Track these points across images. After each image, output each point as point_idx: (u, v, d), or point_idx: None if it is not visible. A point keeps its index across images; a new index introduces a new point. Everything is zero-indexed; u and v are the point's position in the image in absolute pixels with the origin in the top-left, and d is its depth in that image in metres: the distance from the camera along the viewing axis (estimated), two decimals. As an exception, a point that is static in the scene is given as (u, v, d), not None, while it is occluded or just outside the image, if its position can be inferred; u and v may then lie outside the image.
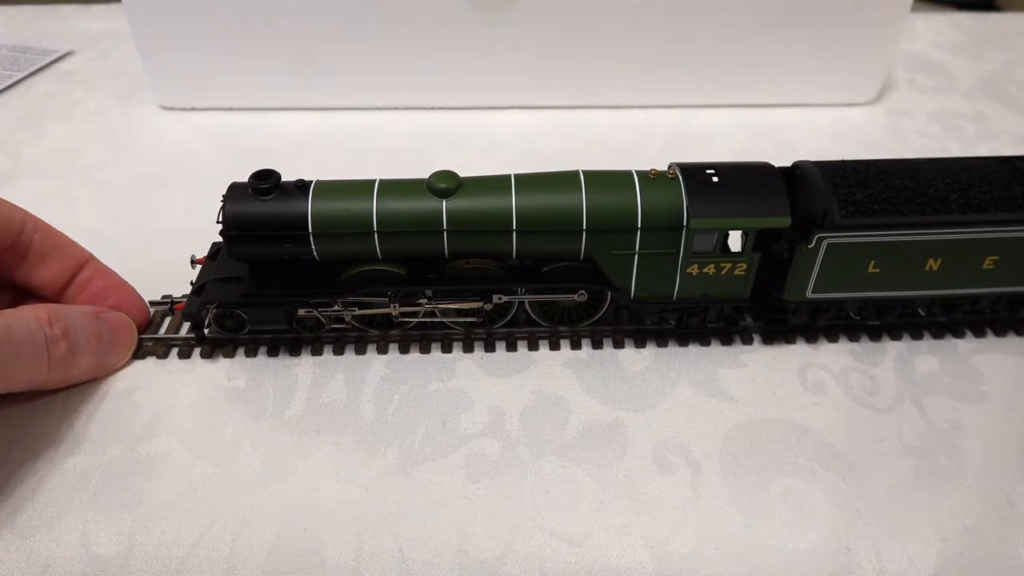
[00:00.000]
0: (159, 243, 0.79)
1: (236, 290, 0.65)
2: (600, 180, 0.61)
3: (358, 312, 0.65)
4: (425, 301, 0.65)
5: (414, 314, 0.66)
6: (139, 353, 0.66)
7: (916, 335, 0.68)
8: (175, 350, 0.67)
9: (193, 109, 1.05)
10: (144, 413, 0.61)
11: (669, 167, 0.63)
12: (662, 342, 0.68)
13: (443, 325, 0.68)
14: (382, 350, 0.67)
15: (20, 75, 1.13)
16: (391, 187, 0.62)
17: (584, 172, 0.62)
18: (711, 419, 0.61)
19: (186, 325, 0.67)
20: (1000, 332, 0.69)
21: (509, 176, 0.62)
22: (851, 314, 0.67)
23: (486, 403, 0.62)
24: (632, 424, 0.61)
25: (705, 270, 0.62)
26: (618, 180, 0.61)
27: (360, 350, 0.67)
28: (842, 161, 0.63)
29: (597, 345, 0.67)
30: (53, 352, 0.58)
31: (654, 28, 0.97)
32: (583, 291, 0.64)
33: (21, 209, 0.64)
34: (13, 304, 0.64)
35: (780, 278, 0.64)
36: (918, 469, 0.57)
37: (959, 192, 0.61)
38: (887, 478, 0.57)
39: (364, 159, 0.94)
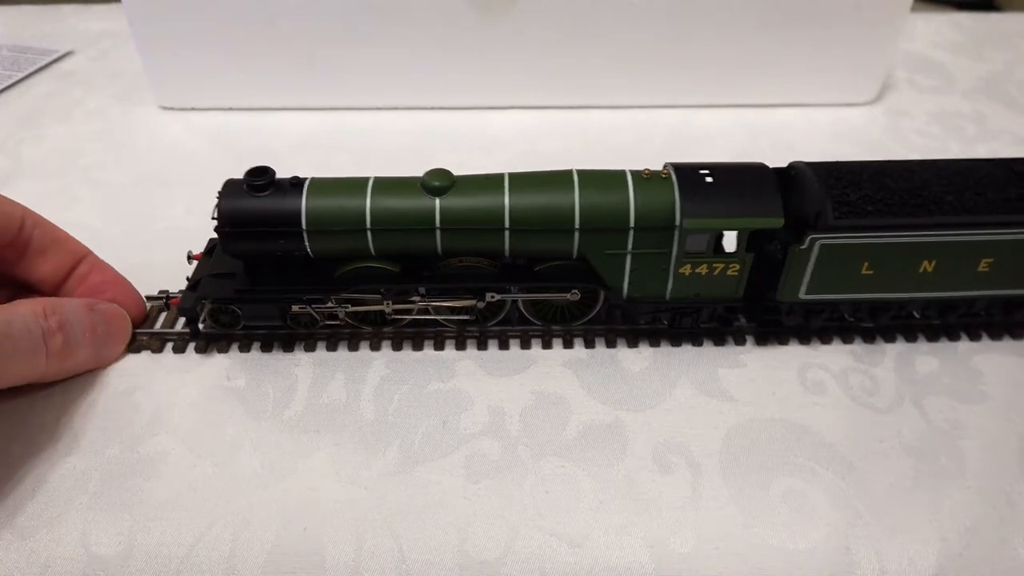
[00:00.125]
0: (159, 243, 0.79)
1: (231, 286, 0.65)
2: (593, 179, 0.61)
3: (351, 309, 0.65)
4: (418, 299, 0.65)
5: (408, 312, 0.66)
6: (134, 347, 0.67)
7: (911, 337, 0.68)
8: (170, 344, 0.67)
9: (193, 109, 1.05)
10: (144, 413, 0.61)
11: (664, 167, 0.63)
12: (660, 342, 0.68)
13: (437, 323, 0.68)
14: (375, 347, 0.67)
15: (20, 75, 1.13)
16: (385, 185, 0.62)
17: (578, 171, 0.62)
18: (711, 419, 0.61)
19: (182, 320, 0.68)
20: (1000, 333, 0.68)
21: (503, 175, 0.62)
22: (846, 316, 0.67)
23: (486, 403, 0.62)
24: (632, 424, 0.61)
25: (698, 270, 0.62)
26: (611, 180, 0.61)
27: (354, 347, 0.67)
28: (837, 162, 0.63)
29: (590, 344, 0.67)
30: (50, 345, 0.58)
31: (654, 28, 0.97)
32: (576, 290, 0.65)
33: (20, 205, 0.65)
34: (11, 299, 0.64)
35: (774, 279, 0.64)
36: (918, 469, 0.57)
37: (954, 194, 0.60)
38: (887, 478, 0.57)
39: (364, 159, 0.94)
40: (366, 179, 0.62)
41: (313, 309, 0.65)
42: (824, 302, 0.65)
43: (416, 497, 0.55)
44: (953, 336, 0.68)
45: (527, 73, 1.01)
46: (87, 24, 1.29)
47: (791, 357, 0.66)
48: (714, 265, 0.62)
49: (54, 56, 1.18)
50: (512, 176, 0.62)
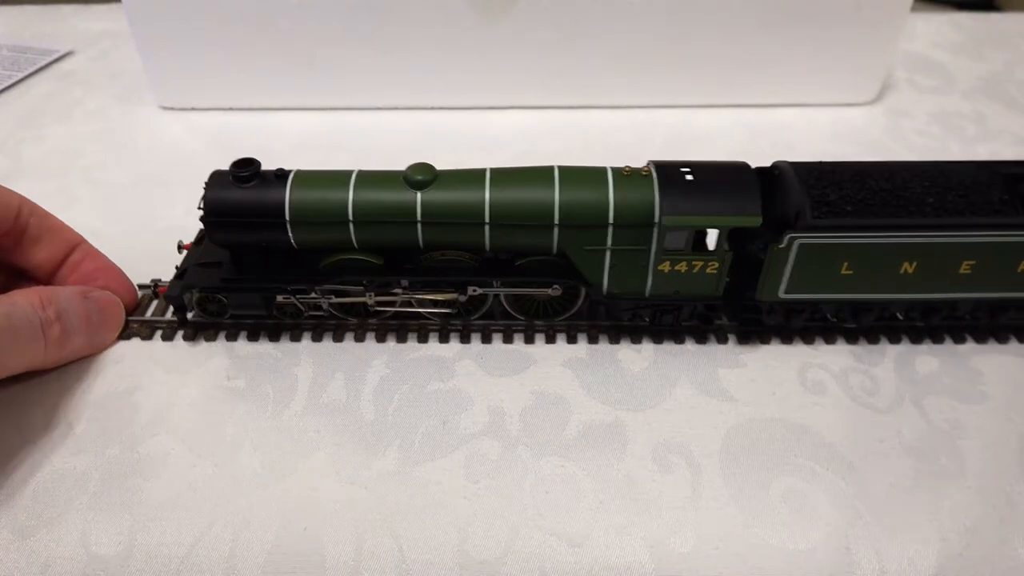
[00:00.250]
0: (159, 243, 0.79)
1: (217, 275, 0.66)
2: (574, 176, 0.62)
3: (335, 300, 0.66)
4: (401, 291, 0.65)
5: (391, 304, 0.67)
6: (125, 334, 0.68)
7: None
8: (159, 332, 0.68)
9: (193, 109, 1.05)
10: (144, 413, 0.61)
11: (646, 165, 0.63)
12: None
13: (420, 316, 0.68)
14: (359, 339, 0.68)
15: (20, 75, 1.13)
16: (368, 178, 0.63)
17: (559, 168, 0.62)
18: (711, 419, 0.61)
19: (172, 308, 0.69)
20: (1000, 334, 0.68)
21: (484, 170, 0.63)
22: (828, 316, 0.67)
23: (486, 403, 0.62)
24: (632, 424, 0.61)
25: (677, 268, 0.63)
26: (592, 176, 0.62)
27: (338, 338, 0.68)
28: (819, 162, 0.63)
29: (572, 340, 0.68)
30: (48, 334, 0.60)
31: (654, 28, 0.97)
32: (557, 285, 0.65)
33: (17, 194, 0.66)
34: (6, 285, 0.66)
35: (755, 278, 0.64)
36: (918, 469, 0.57)
37: (935, 195, 0.60)
38: (887, 478, 0.57)
39: (364, 159, 0.94)
40: (350, 172, 0.63)
41: (297, 300, 0.66)
42: (804, 302, 0.65)
43: (416, 497, 0.55)
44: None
45: (527, 73, 1.01)
46: (87, 24, 1.29)
47: (791, 357, 0.66)
48: (693, 263, 0.62)
49: (54, 56, 1.18)
50: (493, 171, 0.63)
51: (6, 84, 1.11)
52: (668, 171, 0.61)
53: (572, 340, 0.68)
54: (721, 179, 0.61)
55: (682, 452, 0.58)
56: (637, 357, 0.67)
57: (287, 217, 0.62)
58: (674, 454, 0.58)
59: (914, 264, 0.62)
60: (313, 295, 0.66)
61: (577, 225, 0.61)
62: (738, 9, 0.95)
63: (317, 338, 0.68)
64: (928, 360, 0.66)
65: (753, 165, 0.64)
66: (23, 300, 0.58)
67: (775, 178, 0.63)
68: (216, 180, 0.63)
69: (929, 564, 0.52)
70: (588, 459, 0.58)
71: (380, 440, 0.59)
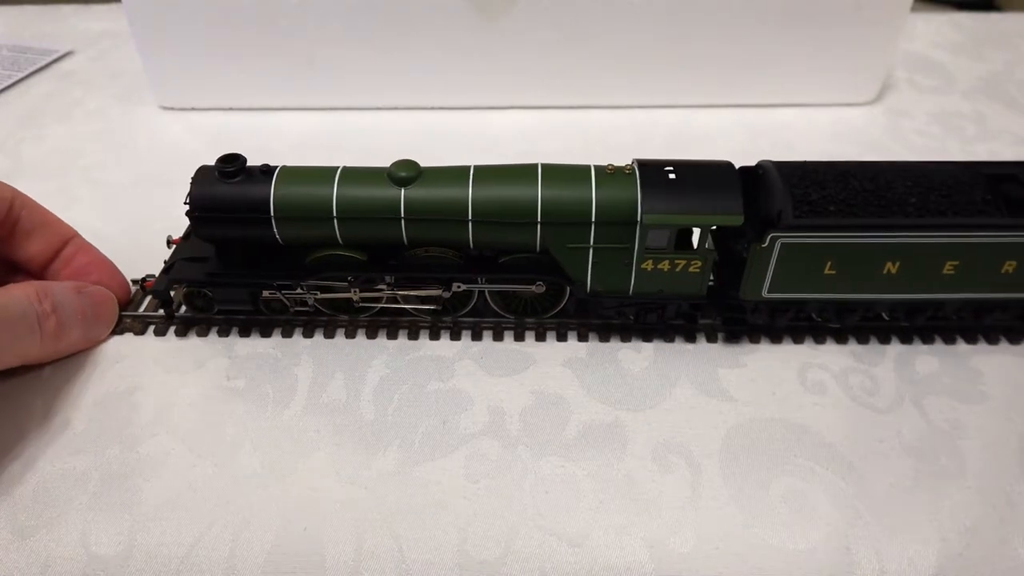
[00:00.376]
0: (159, 243, 0.79)
1: (202, 270, 0.67)
2: (557, 174, 0.62)
3: (321, 296, 0.66)
4: (385, 287, 0.66)
5: (376, 300, 0.67)
6: (118, 329, 0.68)
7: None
8: (152, 327, 0.69)
9: (193, 109, 1.05)
10: (144, 413, 0.61)
11: (630, 163, 0.63)
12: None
13: (406, 312, 0.68)
14: (350, 335, 0.68)
15: (20, 75, 1.13)
16: (353, 174, 0.63)
17: (542, 165, 0.62)
18: (711, 419, 0.61)
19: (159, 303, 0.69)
20: (990, 335, 0.68)
21: (468, 167, 0.63)
22: (813, 315, 0.67)
23: (486, 403, 0.62)
24: (632, 424, 0.61)
25: (660, 266, 0.63)
26: (574, 174, 0.62)
27: (329, 334, 0.68)
28: (804, 162, 0.63)
29: (562, 338, 0.68)
30: (45, 327, 0.60)
31: (654, 28, 0.97)
32: (541, 283, 0.65)
33: (9, 187, 0.66)
34: None
35: (740, 277, 0.64)
36: (918, 469, 0.57)
37: (918, 196, 0.60)
38: (887, 478, 0.57)
39: (364, 159, 0.93)
40: (335, 168, 0.63)
41: (283, 295, 0.66)
42: (788, 301, 0.65)
43: (416, 497, 0.55)
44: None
45: (527, 73, 1.01)
46: (87, 24, 1.29)
47: (791, 357, 0.66)
48: (676, 261, 0.63)
49: (54, 56, 1.18)
50: (477, 168, 0.63)
51: (6, 84, 1.11)
52: (651, 170, 0.61)
53: (562, 338, 0.68)
54: (704, 178, 0.61)
55: (682, 452, 0.58)
56: (637, 357, 0.67)
57: (272, 213, 0.62)
58: (674, 454, 0.58)
59: (897, 264, 0.62)
60: (298, 291, 0.66)
61: (559, 223, 0.61)
62: (738, 9, 0.95)
63: (308, 334, 0.68)
64: (928, 360, 0.66)
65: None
66: (19, 293, 0.59)
67: (759, 177, 0.63)
68: (202, 175, 0.64)
69: (929, 564, 0.52)
70: (588, 459, 0.58)
71: (380, 440, 0.59)
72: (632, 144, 0.97)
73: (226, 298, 0.67)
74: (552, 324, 0.69)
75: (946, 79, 1.13)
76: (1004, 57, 1.19)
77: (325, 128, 1.01)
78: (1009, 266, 0.62)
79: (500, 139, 0.98)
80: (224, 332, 0.68)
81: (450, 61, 0.99)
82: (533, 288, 0.65)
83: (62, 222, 0.70)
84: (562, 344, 0.68)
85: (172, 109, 1.05)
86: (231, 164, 0.63)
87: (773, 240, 0.60)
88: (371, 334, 0.68)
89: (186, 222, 0.65)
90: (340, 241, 0.64)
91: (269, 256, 0.67)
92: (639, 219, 0.60)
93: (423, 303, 0.67)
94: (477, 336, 0.68)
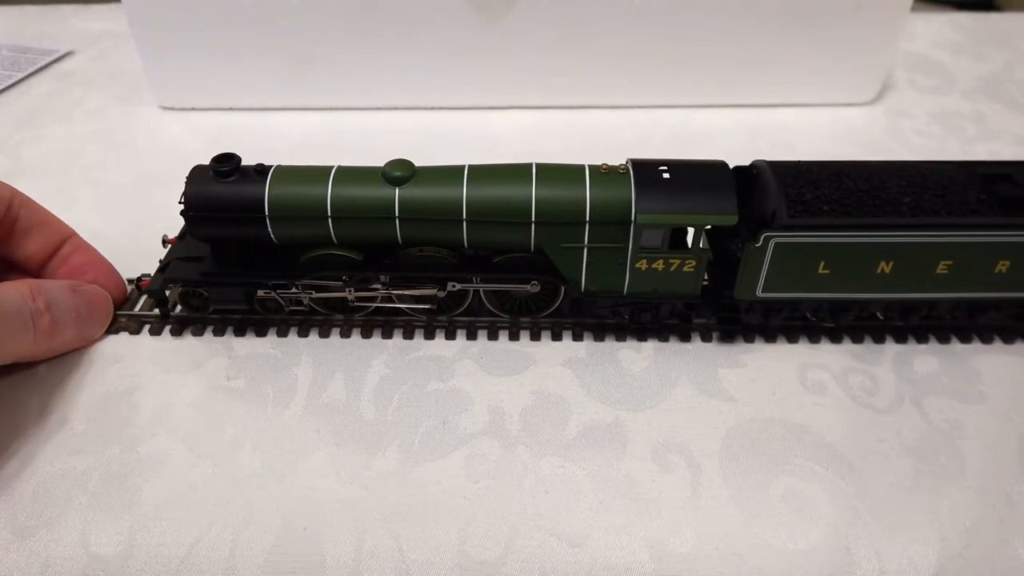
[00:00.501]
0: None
1: (198, 269, 0.67)
2: (551, 173, 0.62)
3: (316, 295, 0.66)
4: (380, 287, 0.66)
5: (371, 299, 0.67)
6: (113, 328, 0.68)
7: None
8: (147, 326, 0.69)
9: (193, 109, 1.05)
10: (144, 413, 0.61)
11: (624, 162, 0.63)
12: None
13: (401, 312, 0.68)
14: (345, 334, 0.68)
15: (20, 75, 1.13)
16: (347, 173, 0.63)
17: (537, 165, 0.63)
18: (711, 419, 0.61)
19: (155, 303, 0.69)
20: (1003, 335, 0.68)
21: (463, 167, 0.63)
22: (807, 315, 0.67)
23: (486, 403, 0.62)
24: (632, 424, 0.61)
25: (654, 266, 0.63)
26: (568, 174, 0.62)
27: (324, 333, 0.68)
28: (798, 161, 0.63)
29: (558, 338, 0.68)
30: (38, 325, 0.60)
31: (654, 28, 0.97)
32: (535, 282, 0.65)
33: (8, 186, 0.67)
34: None
35: (734, 277, 0.64)
36: (918, 469, 0.57)
37: (912, 195, 0.60)
38: (887, 478, 0.57)
39: (364, 159, 0.93)
40: (330, 168, 0.64)
41: (278, 294, 0.66)
42: (782, 300, 0.65)
43: (416, 497, 0.55)
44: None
45: (527, 73, 1.01)
46: (87, 24, 1.29)
47: (791, 357, 0.66)
48: (670, 261, 0.63)
49: (54, 56, 1.18)
50: (471, 168, 0.63)
51: (6, 84, 1.11)
52: (645, 169, 0.62)
53: (557, 337, 0.68)
54: (698, 177, 0.61)
55: (682, 452, 0.58)
56: (637, 357, 0.67)
57: (267, 212, 0.62)
58: (674, 454, 0.58)
59: (891, 264, 0.62)
60: (293, 290, 0.66)
61: (553, 222, 0.62)
62: (738, 9, 0.95)
63: (304, 333, 0.68)
64: (928, 360, 0.66)
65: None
66: (13, 290, 0.59)
67: (753, 177, 0.63)
68: (196, 175, 0.64)
69: (929, 564, 0.52)
70: (588, 459, 0.58)
71: (380, 440, 0.59)
72: (632, 144, 0.97)
73: (221, 297, 0.67)
74: (547, 324, 0.69)
75: (946, 79, 1.13)
76: (1004, 57, 1.19)
77: (325, 128, 1.01)
78: (1003, 266, 0.62)
79: (500, 139, 0.98)
80: (220, 331, 0.68)
81: (450, 61, 0.99)
82: (528, 287, 0.65)
83: (60, 221, 0.70)
84: (562, 344, 0.68)
85: (172, 109, 1.05)
86: (226, 164, 0.63)
87: (767, 240, 0.60)
88: (366, 333, 0.68)
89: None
90: (335, 241, 0.64)
91: (264, 255, 0.67)
92: (633, 219, 0.60)
93: (418, 302, 0.67)
94: (472, 335, 0.68)
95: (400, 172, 0.62)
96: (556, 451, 0.59)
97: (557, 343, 0.68)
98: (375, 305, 0.68)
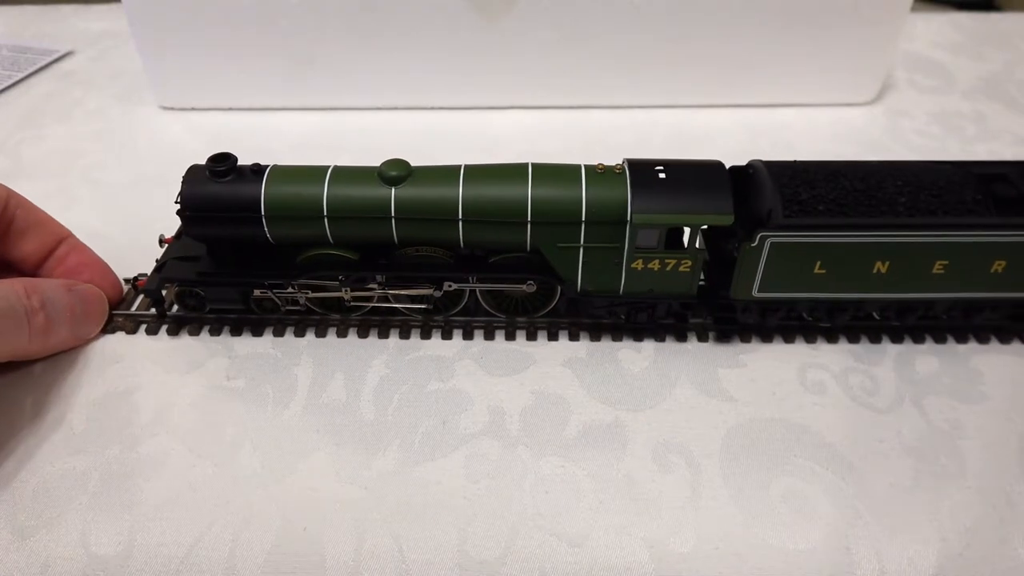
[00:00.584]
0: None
1: (194, 269, 0.67)
2: (547, 173, 0.62)
3: (312, 295, 0.66)
4: (376, 287, 0.66)
5: (367, 299, 0.67)
6: (109, 328, 0.68)
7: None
8: (143, 326, 0.69)
9: (193, 109, 1.05)
10: (144, 413, 0.61)
11: (620, 162, 0.63)
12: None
13: (398, 311, 0.68)
14: (342, 334, 0.68)
15: (20, 75, 1.13)
16: (344, 173, 0.63)
17: (533, 165, 0.63)
18: (711, 419, 0.61)
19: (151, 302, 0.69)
20: (999, 335, 0.68)
21: (459, 167, 0.63)
22: (804, 315, 0.67)
23: (486, 403, 0.62)
24: (632, 424, 0.61)
25: (650, 266, 0.63)
26: (564, 174, 0.62)
27: (321, 333, 0.68)
28: (794, 161, 0.63)
29: (554, 337, 0.68)
30: (33, 323, 0.60)
31: (654, 28, 0.97)
32: (532, 281, 0.65)
33: (4, 186, 0.67)
34: None
35: (729, 276, 0.64)
36: (918, 469, 0.57)
37: (908, 195, 0.60)
38: (887, 478, 0.57)
39: (364, 159, 0.93)
40: (326, 168, 0.64)
41: (274, 294, 0.66)
42: (778, 300, 0.65)
43: (416, 497, 0.55)
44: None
45: (527, 73, 1.01)
46: (87, 24, 1.29)
47: (791, 357, 0.66)
48: (666, 261, 0.63)
49: (54, 56, 1.18)
50: (467, 168, 0.63)
51: (6, 84, 1.11)
52: (641, 169, 0.62)
53: (553, 337, 0.68)
54: (694, 177, 0.61)
55: (682, 452, 0.58)
56: (637, 357, 0.67)
57: (263, 212, 0.62)
58: (674, 454, 0.58)
59: (887, 264, 0.62)
60: (289, 290, 0.66)
61: (549, 222, 0.62)
62: (738, 9, 0.95)
63: (300, 333, 0.68)
64: (928, 360, 0.66)
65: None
66: (7, 288, 0.59)
67: (749, 177, 0.63)
68: (193, 174, 0.64)
69: (929, 564, 0.52)
70: (588, 459, 0.58)
71: (380, 440, 0.59)
72: (632, 144, 0.97)
73: (217, 297, 0.67)
74: (544, 323, 0.69)
75: (946, 79, 1.13)
76: (1004, 57, 1.19)
77: (325, 128, 1.01)
78: (999, 265, 0.62)
79: (500, 139, 0.98)
80: (216, 331, 0.68)
81: (450, 61, 0.99)
82: (524, 287, 0.65)
83: (56, 222, 0.70)
84: (562, 344, 0.68)
85: (172, 109, 1.05)
86: (222, 163, 0.63)
87: (763, 240, 0.60)
88: (363, 333, 0.68)
89: (184, 222, 0.65)
90: (331, 240, 0.64)
91: (260, 255, 0.67)
92: (629, 218, 0.60)
93: (414, 302, 0.67)
94: (469, 335, 0.68)
95: (396, 172, 0.62)
96: (556, 451, 0.59)
97: (558, 343, 0.68)
98: (371, 305, 0.68)
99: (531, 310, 0.69)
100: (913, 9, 0.99)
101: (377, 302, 0.68)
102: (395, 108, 1.05)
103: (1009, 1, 2.26)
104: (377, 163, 0.64)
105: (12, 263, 0.69)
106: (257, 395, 0.63)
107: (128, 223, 0.83)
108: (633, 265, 0.63)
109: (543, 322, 0.69)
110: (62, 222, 0.71)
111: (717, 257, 0.66)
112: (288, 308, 0.68)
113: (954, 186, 0.61)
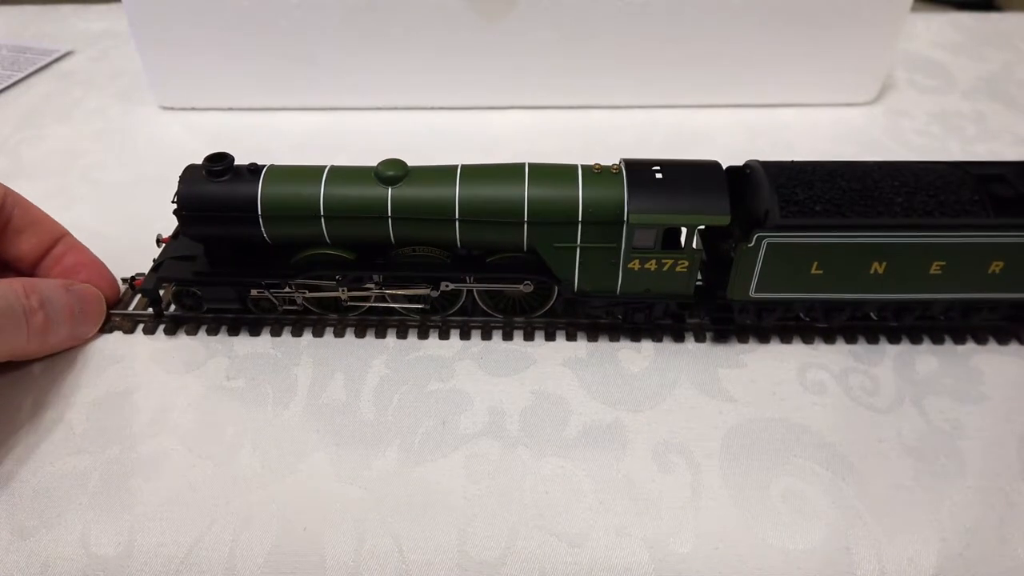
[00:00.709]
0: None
1: (191, 268, 0.67)
2: (544, 173, 0.62)
3: (309, 295, 0.66)
4: (373, 286, 0.66)
5: (364, 299, 0.67)
6: (107, 327, 0.68)
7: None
8: (141, 326, 0.69)
9: (193, 109, 1.05)
10: (144, 413, 0.61)
11: (617, 162, 0.63)
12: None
13: (394, 311, 0.68)
14: (339, 334, 0.68)
15: (20, 75, 1.13)
16: (340, 173, 0.63)
17: (530, 165, 0.63)
18: (711, 419, 0.61)
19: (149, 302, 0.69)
20: (997, 335, 0.68)
21: (456, 166, 0.63)
22: (801, 315, 0.67)
23: (486, 403, 0.62)
24: (632, 424, 0.61)
25: (647, 266, 0.63)
26: (561, 174, 0.62)
27: (318, 333, 0.68)
28: (792, 161, 0.63)
29: (551, 337, 0.68)
30: (32, 322, 0.60)
31: (654, 28, 0.97)
32: (529, 282, 0.65)
33: (2, 185, 0.66)
34: None
35: (726, 277, 0.64)
36: (918, 469, 0.57)
37: (905, 195, 0.60)
38: (887, 478, 0.57)
39: (364, 159, 0.93)
40: (322, 167, 0.64)
41: (271, 294, 0.66)
42: (775, 301, 0.65)
43: (416, 497, 0.55)
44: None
45: (527, 73, 1.01)
46: (87, 24, 1.29)
47: (791, 357, 0.66)
48: (663, 261, 0.63)
49: (54, 56, 1.18)
50: (464, 168, 0.63)
51: (6, 84, 1.11)
52: (638, 169, 0.62)
53: (551, 337, 0.68)
54: (691, 177, 0.61)
55: (682, 452, 0.58)
56: (637, 357, 0.67)
57: (259, 212, 0.62)
58: (674, 454, 0.58)
59: (884, 264, 0.61)
60: (287, 290, 0.66)
61: (546, 222, 0.62)
62: (738, 9, 0.95)
63: (298, 333, 0.68)
64: (928, 360, 0.66)
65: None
66: (5, 287, 0.59)
67: (746, 177, 0.63)
68: (189, 174, 0.64)
69: (929, 564, 0.52)
70: (588, 459, 0.58)
71: (380, 440, 0.59)
72: (632, 144, 0.97)
73: (215, 297, 0.67)
74: (541, 324, 0.69)
75: (946, 79, 1.13)
76: (1004, 57, 1.19)
77: (325, 128, 1.01)
78: (996, 266, 0.62)
79: (500, 139, 0.98)
80: (214, 331, 0.68)
81: (450, 61, 0.99)
82: (521, 287, 0.65)
83: (53, 221, 0.70)
84: (562, 344, 0.68)
85: (172, 109, 1.05)
86: (219, 163, 0.63)
87: (760, 240, 0.60)
88: (360, 333, 0.68)
89: (183, 222, 0.65)
90: (328, 240, 0.64)
91: (257, 255, 0.67)
92: (626, 219, 0.60)
93: (411, 302, 0.67)
94: (466, 335, 0.68)
95: (393, 172, 0.62)
96: (556, 451, 0.59)
97: (557, 343, 0.68)
98: (369, 305, 0.68)
99: (528, 310, 0.69)
100: (913, 9, 0.99)
101: (374, 302, 0.68)
102: (395, 108, 1.05)
103: (1009, 1, 2.26)
104: (376, 163, 0.64)
105: (9, 262, 0.69)
106: (257, 395, 0.63)
107: (128, 223, 0.83)
108: (630, 265, 0.63)
109: (540, 322, 0.69)
110: (61, 222, 0.71)
111: (714, 257, 0.66)
112: (285, 308, 0.68)
113: (952, 186, 0.61)
